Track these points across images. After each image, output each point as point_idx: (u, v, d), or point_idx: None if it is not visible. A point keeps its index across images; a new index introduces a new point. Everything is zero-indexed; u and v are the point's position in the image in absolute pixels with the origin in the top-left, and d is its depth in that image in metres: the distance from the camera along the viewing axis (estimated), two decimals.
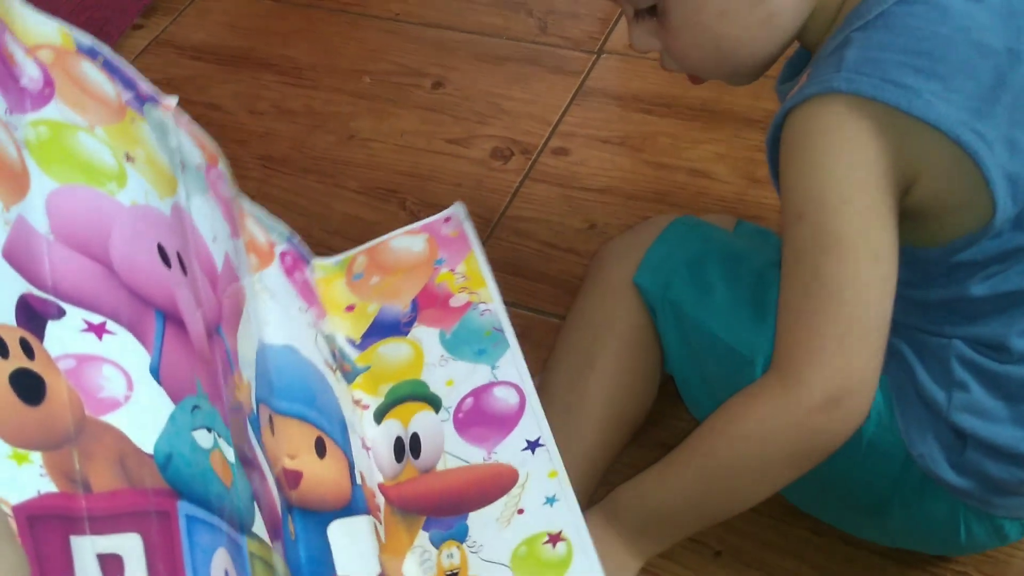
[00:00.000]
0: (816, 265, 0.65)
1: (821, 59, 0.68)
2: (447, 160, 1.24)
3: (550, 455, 0.69)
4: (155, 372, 0.53)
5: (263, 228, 0.79)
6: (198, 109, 1.34)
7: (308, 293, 0.79)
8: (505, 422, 0.71)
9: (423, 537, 0.70)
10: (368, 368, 0.78)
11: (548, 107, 1.28)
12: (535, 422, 0.70)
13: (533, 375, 0.76)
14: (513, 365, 0.74)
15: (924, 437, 0.72)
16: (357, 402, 0.76)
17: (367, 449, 0.73)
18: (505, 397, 0.72)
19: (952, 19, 0.64)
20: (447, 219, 0.83)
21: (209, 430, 0.55)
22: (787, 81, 0.76)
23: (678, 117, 1.23)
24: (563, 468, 0.68)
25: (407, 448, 0.73)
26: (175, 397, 0.54)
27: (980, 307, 0.69)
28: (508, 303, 0.78)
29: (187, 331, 0.57)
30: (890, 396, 0.73)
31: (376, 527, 0.69)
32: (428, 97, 1.33)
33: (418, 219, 1.17)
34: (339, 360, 0.77)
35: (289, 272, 0.79)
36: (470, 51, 1.38)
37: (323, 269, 0.84)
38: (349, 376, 0.77)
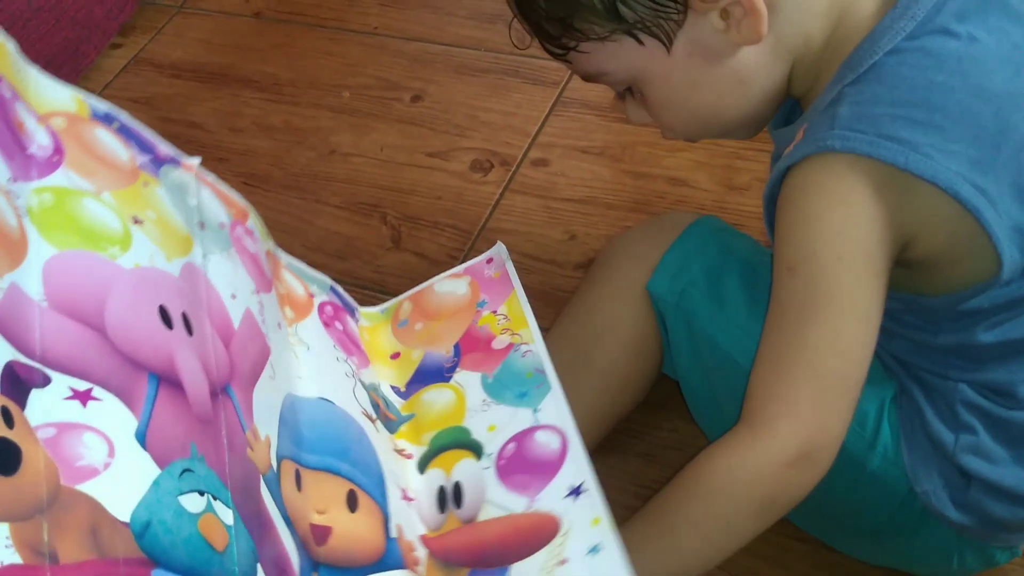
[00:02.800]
0: (802, 320, 0.64)
1: (815, 113, 0.66)
2: (427, 173, 1.25)
3: (593, 501, 0.66)
4: (141, 437, 0.53)
5: (301, 280, 0.78)
6: (178, 128, 1.34)
7: (348, 343, 0.79)
8: (547, 468, 0.69)
9: None
10: (412, 416, 0.77)
11: (527, 118, 1.29)
12: (577, 467, 0.68)
13: None
14: (555, 408, 0.72)
15: (929, 474, 0.72)
16: (400, 451, 0.75)
17: (409, 500, 0.72)
18: (547, 442, 0.71)
19: (947, 65, 0.62)
20: (489, 260, 0.83)
21: (201, 493, 0.54)
22: (780, 126, 0.74)
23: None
24: (608, 514, 0.65)
25: (450, 497, 0.71)
26: (162, 462, 0.53)
27: (988, 353, 0.68)
28: None
29: (184, 393, 0.57)
30: (898, 432, 0.72)
31: None
32: (408, 111, 1.33)
33: (399, 234, 1.18)
34: (382, 410, 0.76)
35: (328, 323, 0.78)
36: (449, 64, 1.39)
37: (369, 318, 0.84)
38: (393, 425, 0.76)
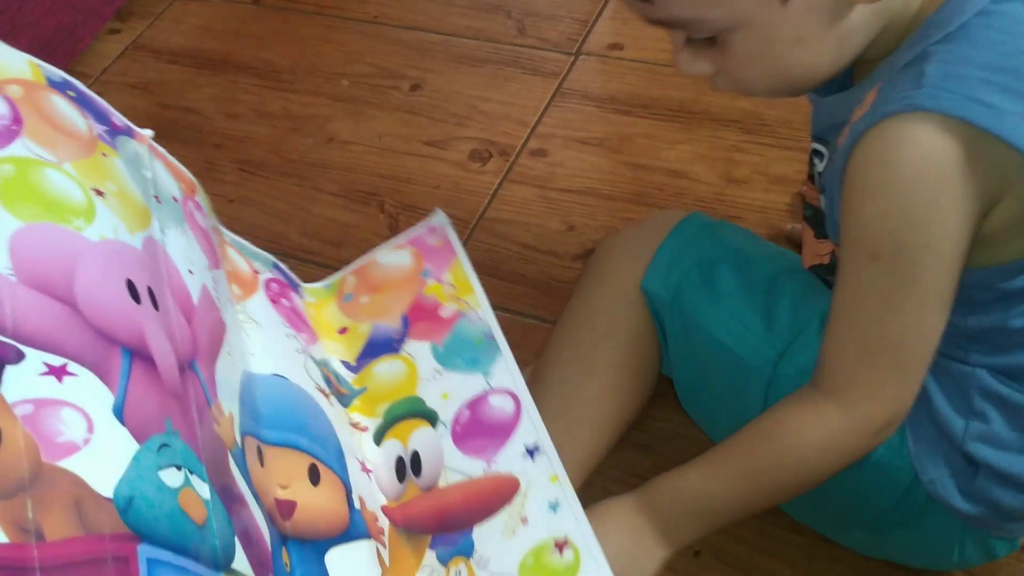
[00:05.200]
0: (886, 308, 0.64)
1: (891, 73, 0.63)
2: (425, 162, 1.24)
3: (549, 459, 0.68)
4: (119, 412, 0.52)
5: (245, 257, 0.78)
6: (176, 113, 1.34)
7: (296, 319, 0.78)
8: (502, 430, 0.71)
9: (430, 556, 0.69)
10: (365, 389, 0.77)
11: (526, 109, 1.28)
12: (532, 427, 0.70)
13: (522, 367, 0.75)
14: (507, 371, 0.73)
15: (935, 463, 0.72)
16: (355, 425, 0.75)
17: (368, 472, 0.72)
18: (501, 405, 0.72)
19: None
20: (431, 229, 0.83)
21: (179, 468, 0.54)
22: (831, 93, 0.70)
23: (656, 118, 1.23)
24: (563, 471, 0.67)
25: (408, 467, 0.72)
26: (140, 437, 0.52)
27: (1016, 339, 0.68)
28: None
29: (156, 368, 0.56)
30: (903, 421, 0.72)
31: (379, 551, 0.68)
32: (406, 99, 1.33)
33: (396, 222, 1.18)
34: (334, 384, 0.76)
35: (275, 300, 0.78)
36: (448, 53, 1.38)
37: (314, 294, 0.84)
38: (345, 399, 0.76)
